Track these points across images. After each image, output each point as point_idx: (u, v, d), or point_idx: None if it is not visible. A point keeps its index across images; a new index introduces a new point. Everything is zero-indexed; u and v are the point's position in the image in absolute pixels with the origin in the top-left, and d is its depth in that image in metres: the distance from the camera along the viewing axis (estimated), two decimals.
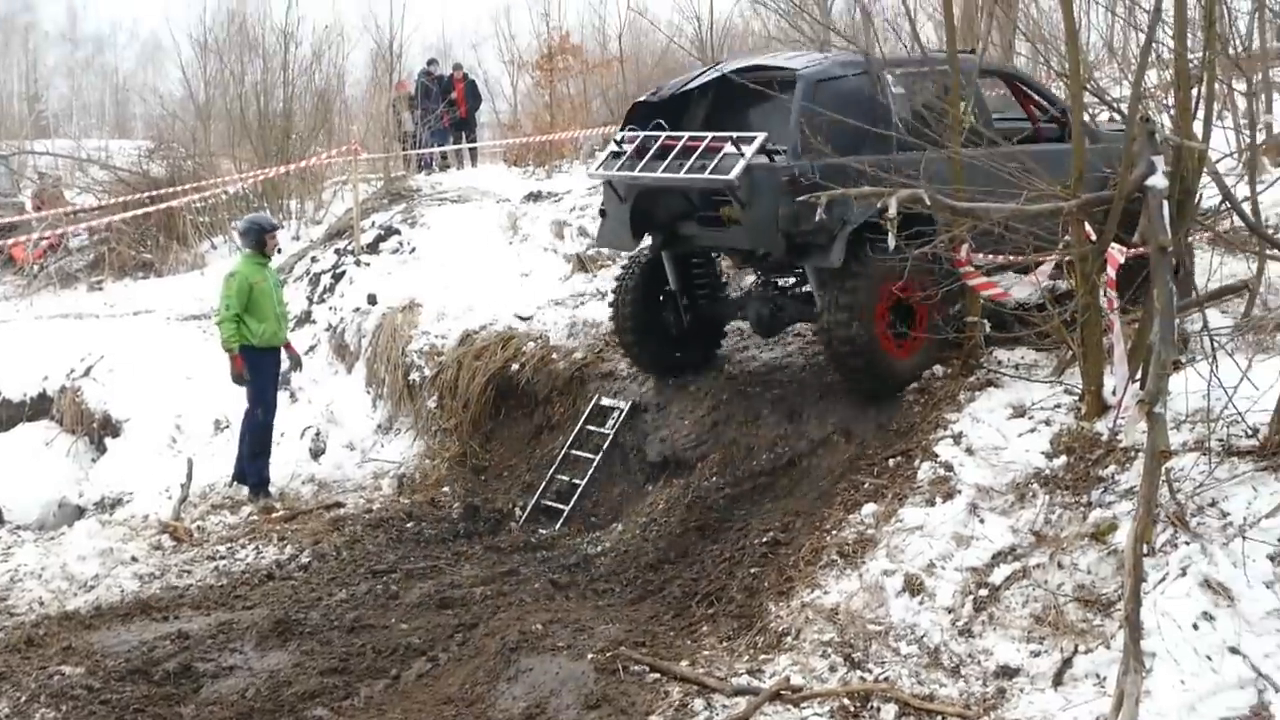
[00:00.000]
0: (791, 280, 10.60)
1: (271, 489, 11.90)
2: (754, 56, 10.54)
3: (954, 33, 9.48)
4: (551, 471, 11.22)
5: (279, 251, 15.83)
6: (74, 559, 10.06)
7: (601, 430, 11.16)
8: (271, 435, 12.15)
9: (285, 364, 12.33)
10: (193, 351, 15.18)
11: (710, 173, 9.05)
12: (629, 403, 11.15)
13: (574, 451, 11.23)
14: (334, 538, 10.60)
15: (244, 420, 11.94)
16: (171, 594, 9.46)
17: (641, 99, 10.66)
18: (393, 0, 24.78)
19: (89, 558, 10.09)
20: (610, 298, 11.34)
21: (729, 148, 9.09)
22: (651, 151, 9.67)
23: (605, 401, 11.37)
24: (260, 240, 11.96)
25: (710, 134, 9.37)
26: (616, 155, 10.10)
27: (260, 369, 11.76)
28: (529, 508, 11.06)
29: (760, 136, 8.99)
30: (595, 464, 10.96)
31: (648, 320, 10.85)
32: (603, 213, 10.81)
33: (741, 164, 8.86)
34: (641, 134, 9.90)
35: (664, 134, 9.75)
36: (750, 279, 11.75)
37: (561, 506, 10.86)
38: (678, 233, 10.34)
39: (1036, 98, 10.67)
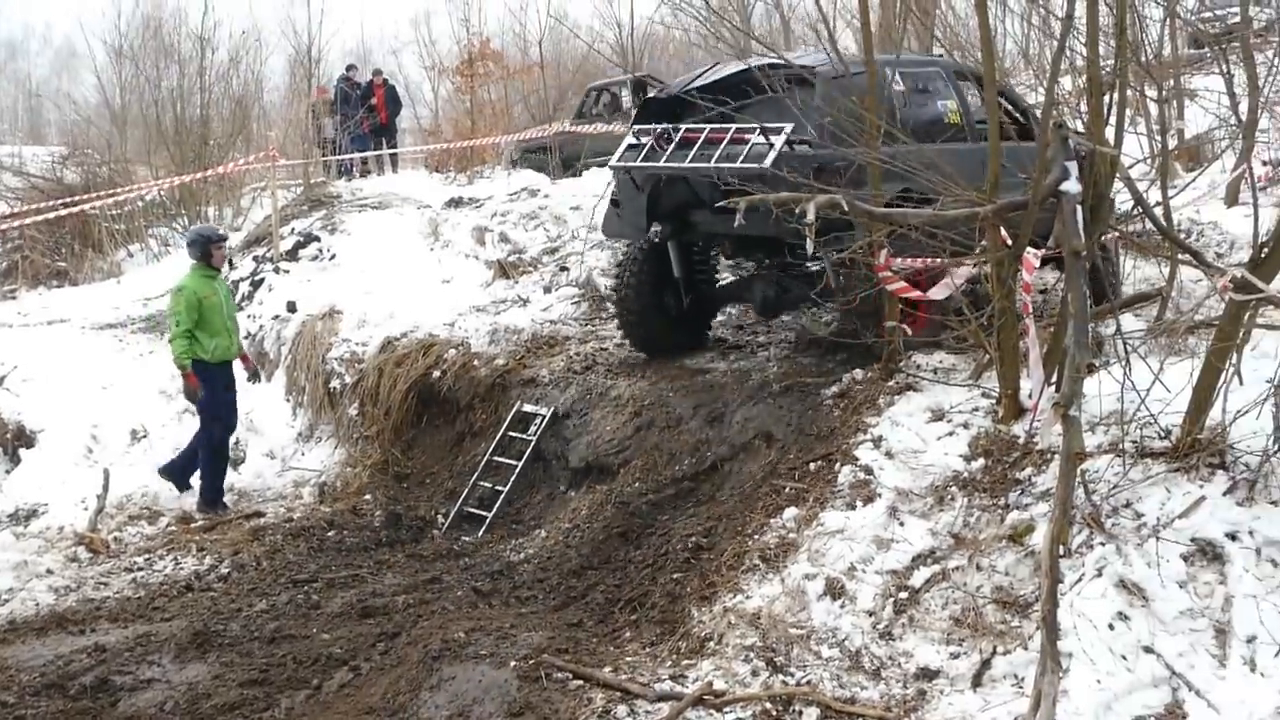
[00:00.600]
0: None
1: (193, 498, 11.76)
2: (768, 57, 10.75)
3: (870, 38, 9.55)
4: (474, 479, 11.17)
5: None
6: None
7: (524, 437, 11.13)
8: (229, 450, 12.10)
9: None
10: (109, 361, 14.99)
11: (743, 161, 9.28)
12: (550, 409, 11.14)
13: (496, 458, 11.19)
14: (254, 547, 10.48)
15: (198, 438, 11.80)
16: (88, 606, 9.30)
17: (650, 95, 10.92)
18: (310, 5, 24.66)
19: (2, 571, 9.90)
20: (613, 282, 11.76)
21: (757, 138, 9.32)
22: (675, 143, 9.94)
23: (527, 408, 11.34)
24: (206, 251, 11.73)
25: (734, 125, 9.63)
26: (634, 147, 10.38)
27: (212, 384, 11.58)
28: (451, 515, 11.00)
29: (787, 127, 9.24)
30: (517, 470, 10.92)
31: (649, 304, 11.19)
32: (615, 203, 11.17)
33: (774, 153, 9.11)
34: (659, 127, 10.16)
35: (684, 126, 10.03)
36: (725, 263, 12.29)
37: (484, 513, 10.80)
38: (688, 221, 10.72)
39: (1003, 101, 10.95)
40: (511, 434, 11.26)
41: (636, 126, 10.58)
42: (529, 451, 11.00)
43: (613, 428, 10.54)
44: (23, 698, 7.44)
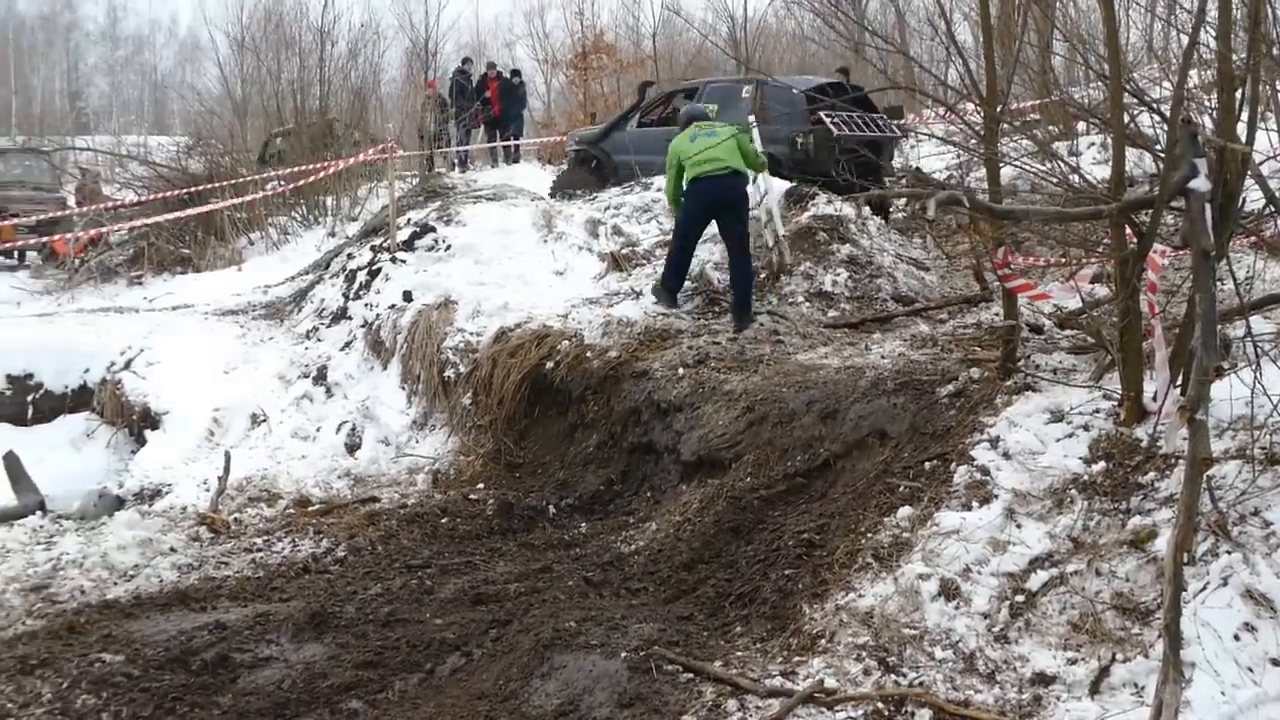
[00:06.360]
0: None
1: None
2: None
3: (990, 32, 9.40)
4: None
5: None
6: (114, 548, 10.10)
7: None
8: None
9: None
10: (230, 347, 15.31)
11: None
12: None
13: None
14: (369, 532, 10.62)
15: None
16: (209, 585, 9.49)
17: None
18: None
19: (129, 548, 10.14)
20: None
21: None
22: None
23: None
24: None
25: None
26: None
27: None
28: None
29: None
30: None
31: None
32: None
33: None
34: None
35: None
36: None
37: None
38: None
39: None
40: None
41: None
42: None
43: (724, 422, 10.50)
44: (147, 671, 7.60)
